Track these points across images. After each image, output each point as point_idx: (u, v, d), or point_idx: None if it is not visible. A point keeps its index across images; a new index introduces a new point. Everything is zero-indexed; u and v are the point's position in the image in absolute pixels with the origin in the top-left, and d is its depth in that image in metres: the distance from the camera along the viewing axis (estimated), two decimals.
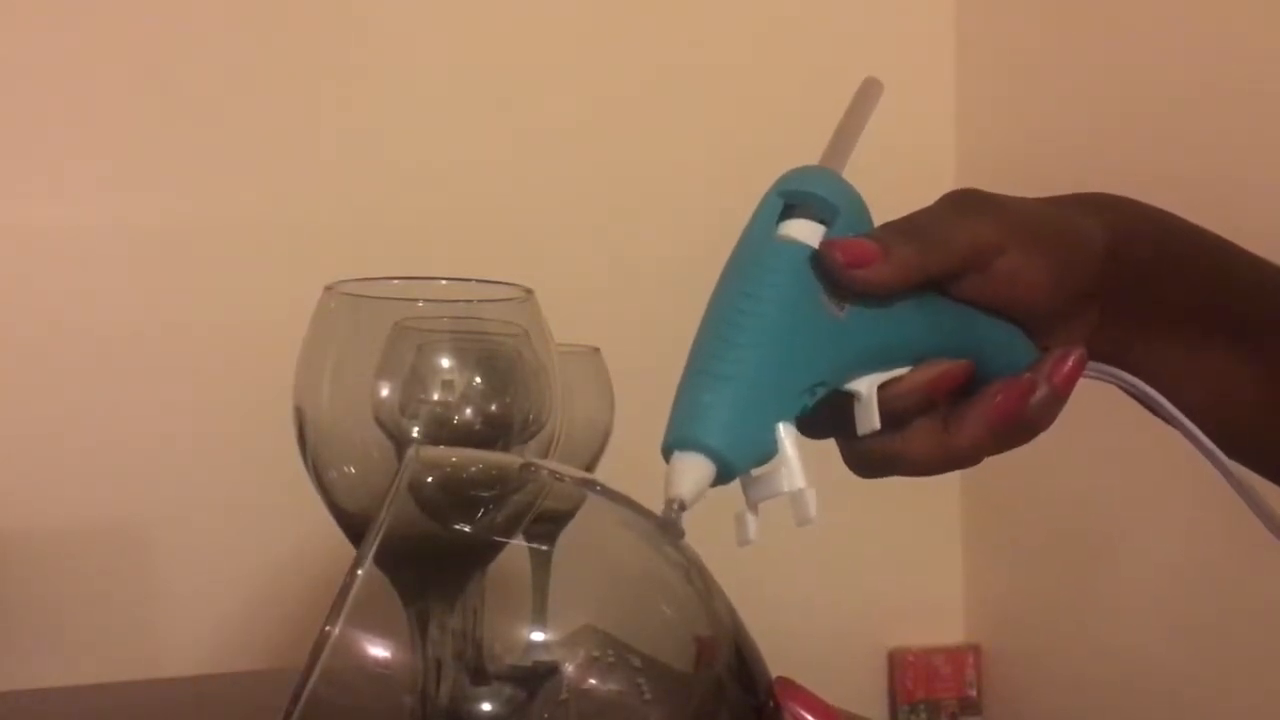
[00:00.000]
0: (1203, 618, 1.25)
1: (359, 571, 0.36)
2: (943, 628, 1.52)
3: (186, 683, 1.10)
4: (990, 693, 1.49)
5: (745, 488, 0.43)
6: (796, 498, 0.42)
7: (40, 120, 1.19)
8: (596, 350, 0.83)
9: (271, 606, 1.22)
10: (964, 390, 0.49)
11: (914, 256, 0.46)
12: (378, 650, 0.39)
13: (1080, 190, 0.54)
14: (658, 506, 0.42)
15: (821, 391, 0.45)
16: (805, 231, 0.45)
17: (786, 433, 0.43)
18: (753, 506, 0.43)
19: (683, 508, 0.41)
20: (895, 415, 0.47)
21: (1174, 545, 1.26)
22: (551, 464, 0.50)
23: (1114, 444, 1.18)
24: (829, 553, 1.44)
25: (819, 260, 0.44)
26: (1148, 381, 0.52)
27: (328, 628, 0.35)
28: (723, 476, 0.42)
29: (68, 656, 1.15)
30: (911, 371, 0.47)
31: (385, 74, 1.30)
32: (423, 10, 1.32)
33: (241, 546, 1.21)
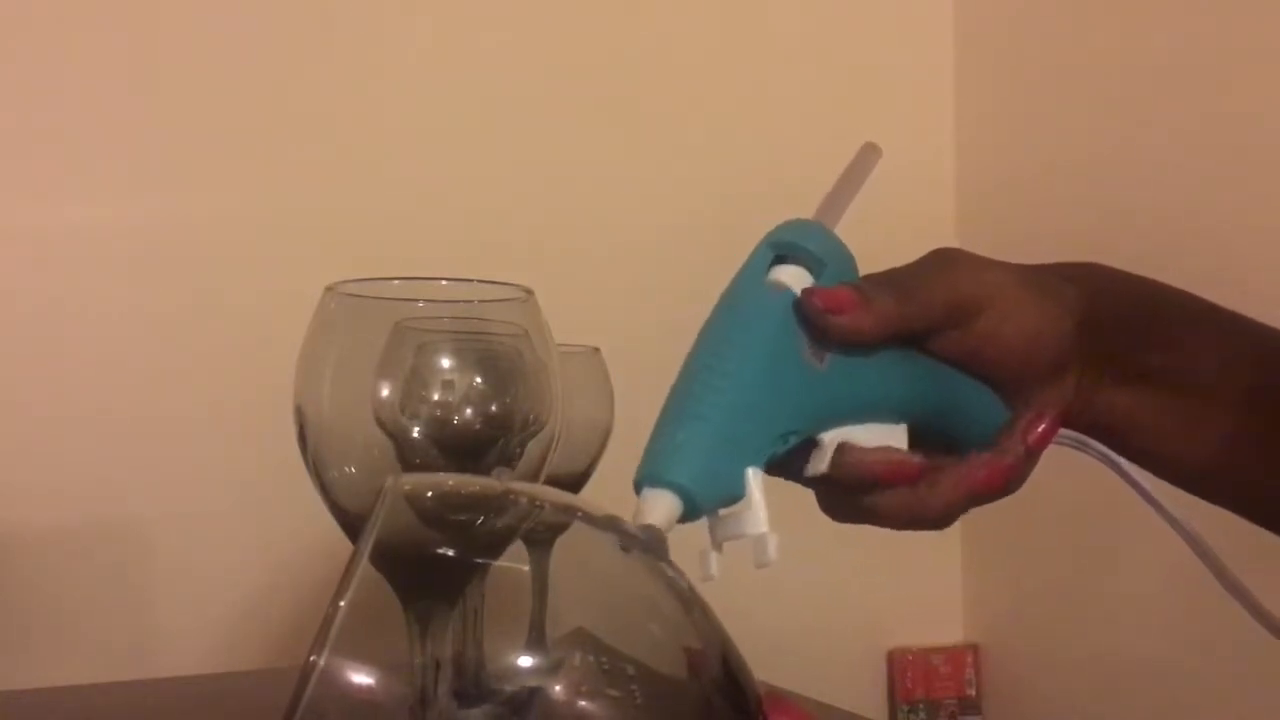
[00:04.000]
0: (1202, 618, 1.25)
1: (340, 604, 0.36)
2: (942, 627, 1.52)
3: (186, 683, 1.10)
4: (989, 692, 1.49)
5: (711, 526, 0.45)
6: (759, 541, 0.43)
7: (40, 120, 1.19)
8: (596, 350, 0.83)
9: (271, 606, 1.22)
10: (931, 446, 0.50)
11: (893, 306, 0.47)
12: (366, 677, 0.39)
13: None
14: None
15: (794, 440, 0.46)
16: (792, 279, 0.46)
17: (755, 478, 0.44)
18: (717, 545, 0.45)
19: None
20: (843, 480, 0.48)
21: (1173, 545, 1.26)
22: (534, 488, 0.50)
23: None
24: (828, 553, 1.43)
25: (800, 307, 0.46)
26: (1115, 430, 0.54)
27: (313, 658, 0.35)
28: (689, 515, 0.43)
29: (68, 656, 1.15)
30: (865, 451, 0.48)
31: (386, 74, 1.30)
32: (423, 11, 1.32)
33: (241, 546, 1.21)
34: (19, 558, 1.15)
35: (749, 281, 0.46)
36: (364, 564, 0.37)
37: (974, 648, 1.50)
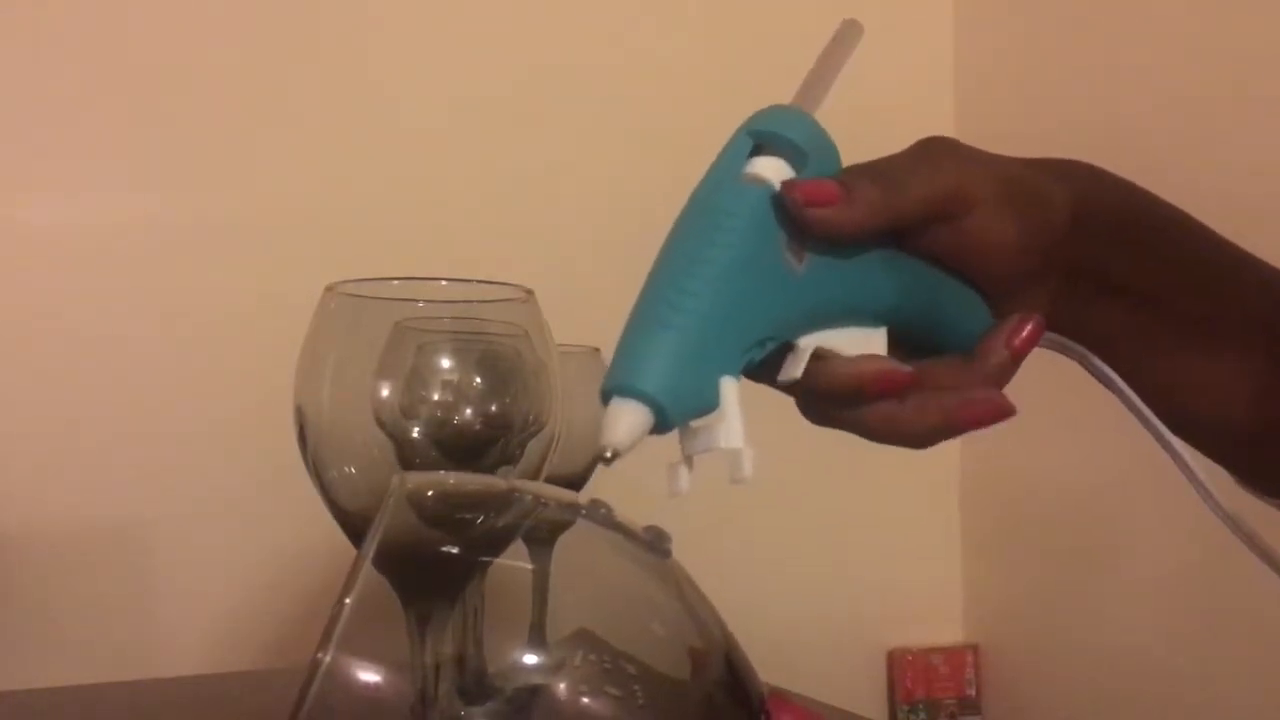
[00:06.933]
0: (1202, 618, 1.25)
1: (346, 601, 0.36)
2: (942, 627, 1.52)
3: (186, 683, 1.10)
4: (989, 692, 1.49)
5: (682, 438, 0.42)
6: (733, 456, 0.40)
7: (40, 119, 1.19)
8: (596, 350, 0.83)
9: (271, 606, 1.22)
10: (917, 352, 0.48)
11: (878, 198, 0.44)
12: (372, 674, 0.39)
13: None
14: (655, 515, 0.42)
15: (770, 346, 0.43)
16: (771, 172, 0.43)
17: (729, 388, 0.41)
18: (687, 459, 0.42)
19: (616, 455, 0.39)
20: (828, 390, 0.46)
21: (1173, 545, 1.26)
22: (537, 486, 0.50)
23: (1114, 444, 1.18)
24: (828, 552, 1.44)
25: (779, 202, 0.43)
26: (1100, 356, 0.51)
27: (319, 655, 0.35)
28: (660, 427, 0.40)
29: (68, 656, 1.15)
30: (850, 360, 0.46)
31: (386, 74, 1.30)
32: (424, 12, 1.32)
33: (241, 546, 1.21)
34: (19, 558, 1.15)
35: (726, 174, 0.43)
36: (368, 563, 0.37)
37: (974, 648, 1.50)
